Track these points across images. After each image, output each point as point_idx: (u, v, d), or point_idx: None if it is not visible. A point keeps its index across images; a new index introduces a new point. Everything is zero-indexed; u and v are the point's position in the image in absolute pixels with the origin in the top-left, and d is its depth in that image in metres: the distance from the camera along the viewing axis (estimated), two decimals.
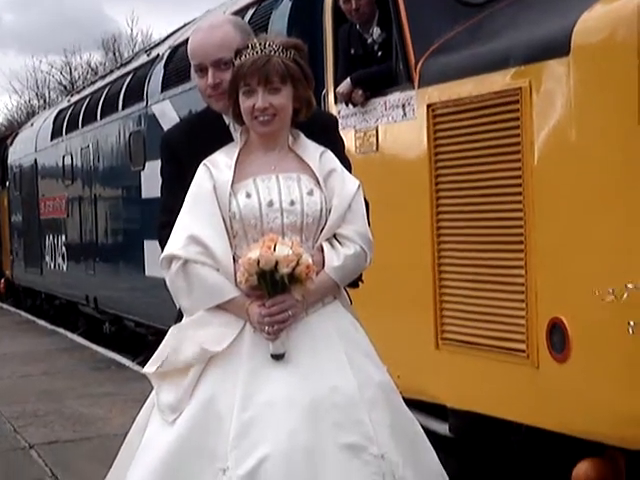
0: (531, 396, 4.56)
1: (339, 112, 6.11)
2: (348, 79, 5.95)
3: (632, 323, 3.97)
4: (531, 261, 4.55)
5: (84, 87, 18.55)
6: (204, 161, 3.29)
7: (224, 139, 3.40)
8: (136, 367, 10.85)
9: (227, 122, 3.46)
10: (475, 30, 5.28)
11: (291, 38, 3.35)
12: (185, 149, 3.42)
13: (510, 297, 4.68)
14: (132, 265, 12.24)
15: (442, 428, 5.23)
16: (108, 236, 13.96)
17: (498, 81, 4.76)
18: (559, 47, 4.37)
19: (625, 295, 4.02)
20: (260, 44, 3.23)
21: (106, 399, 9.14)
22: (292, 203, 3.20)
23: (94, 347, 13.37)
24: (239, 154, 3.30)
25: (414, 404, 5.33)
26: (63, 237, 16.53)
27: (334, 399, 3.09)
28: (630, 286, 4.01)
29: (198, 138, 3.43)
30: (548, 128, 4.49)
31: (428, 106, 5.28)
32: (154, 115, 10.99)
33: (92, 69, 49.05)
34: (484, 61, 4.92)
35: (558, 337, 4.36)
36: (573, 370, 4.29)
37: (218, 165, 3.27)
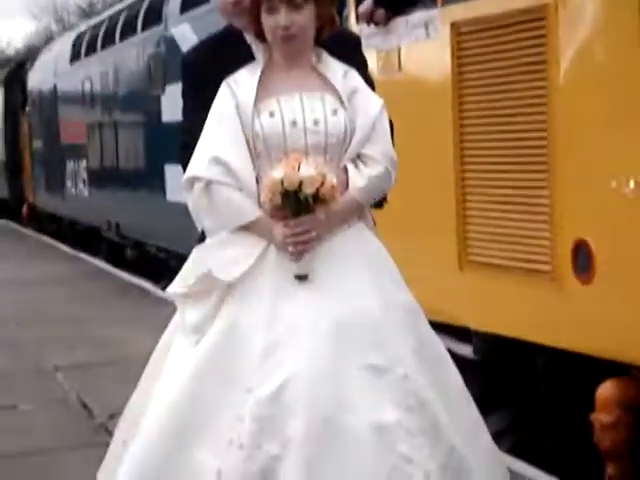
0: (556, 317, 4.54)
1: (361, 32, 6.01)
2: None
3: None
4: (555, 181, 4.49)
5: (103, 10, 18.40)
6: (226, 80, 3.24)
7: (247, 57, 3.35)
8: (159, 292, 10.91)
9: (249, 41, 3.41)
10: None
11: None
12: (207, 68, 3.37)
13: (534, 218, 4.63)
14: (153, 190, 12.24)
15: (466, 350, 5.23)
16: (129, 161, 13.95)
17: None
18: None
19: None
20: None
21: (129, 323, 9.21)
22: (316, 123, 3.15)
23: (116, 272, 13.44)
24: (262, 73, 3.25)
25: (438, 326, 5.36)
26: (84, 162, 16.54)
27: (358, 320, 3.08)
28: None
29: (220, 57, 3.38)
30: (575, 46, 4.40)
31: (451, 25, 5.18)
32: (173, 38, 10.89)
33: None
34: None
35: (583, 258, 4.33)
36: (598, 290, 4.26)
37: (240, 84, 3.22)
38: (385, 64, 5.84)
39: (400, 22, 5.69)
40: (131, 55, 13.00)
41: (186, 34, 10.35)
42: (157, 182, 11.80)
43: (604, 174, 4.24)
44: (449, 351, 5.24)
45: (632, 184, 4.03)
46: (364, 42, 5.85)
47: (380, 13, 5.81)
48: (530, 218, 4.67)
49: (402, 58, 5.70)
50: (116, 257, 15.36)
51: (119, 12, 14.57)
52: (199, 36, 9.71)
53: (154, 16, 11.81)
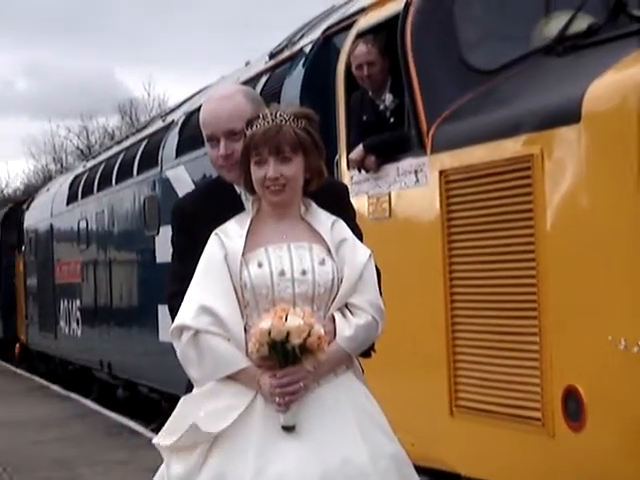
0: (547, 465, 4.51)
1: (352, 178, 6.14)
2: (360, 145, 5.98)
3: None
4: (545, 328, 4.52)
5: (100, 152, 18.69)
6: (215, 230, 3.29)
7: (236, 208, 3.41)
8: (149, 433, 10.79)
9: (239, 191, 3.47)
10: (486, 97, 5.30)
11: (302, 108, 3.37)
12: (196, 218, 3.43)
13: (524, 364, 4.64)
14: (146, 330, 12.21)
15: None
16: (122, 301, 13.96)
17: (510, 148, 4.77)
18: (570, 114, 4.39)
19: (636, 349, 3.99)
20: (271, 114, 3.24)
21: (119, 467, 9.08)
22: (304, 273, 3.19)
23: (107, 413, 13.31)
24: (251, 223, 3.30)
25: (429, 472, 5.30)
26: (78, 302, 16.54)
27: (346, 471, 3.05)
28: (636, 349, 3.98)
29: (209, 207, 3.44)
30: (560, 194, 4.49)
31: (440, 172, 5.29)
32: (169, 180, 11.04)
33: (109, 133, 49.47)
34: (495, 128, 4.95)
35: (573, 405, 4.32)
36: (589, 439, 4.24)
37: (229, 234, 3.27)
38: (376, 209, 5.93)
39: (390, 169, 5.81)
40: (127, 196, 13.15)
41: (181, 176, 10.50)
42: (150, 322, 11.78)
43: (593, 321, 4.27)
44: None
45: (623, 341, 4.05)
46: (355, 188, 6.03)
47: (371, 160, 5.93)
48: (520, 364, 4.68)
49: (392, 203, 5.80)
50: (108, 397, 15.22)
51: (116, 155, 14.80)
52: (193, 178, 9.86)
53: (151, 159, 12.00)
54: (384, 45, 5.98)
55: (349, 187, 5.68)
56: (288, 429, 3.08)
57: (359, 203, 5.99)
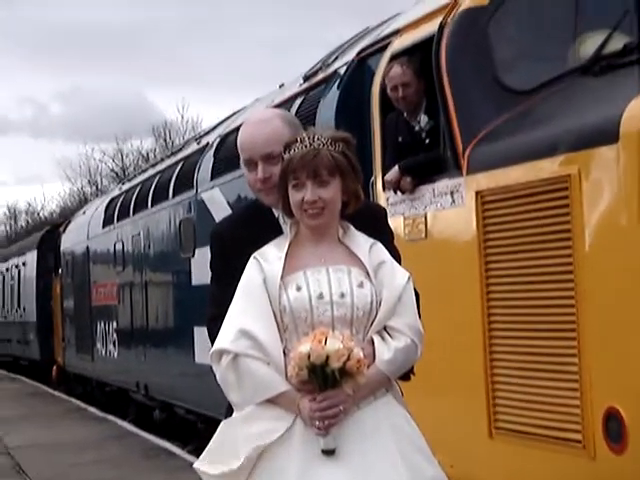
0: None
1: (387, 199, 6.14)
2: (396, 167, 5.98)
3: None
4: (584, 348, 4.49)
5: (135, 175, 18.81)
6: (254, 254, 3.30)
7: (274, 232, 3.41)
8: (186, 455, 10.79)
9: (277, 215, 3.48)
10: (522, 117, 5.29)
11: (340, 131, 3.38)
12: (234, 242, 3.44)
13: (564, 385, 4.61)
14: (182, 352, 12.24)
15: None
16: (158, 323, 14.02)
17: (547, 168, 4.76)
18: (608, 134, 4.37)
19: None
20: (309, 137, 3.25)
21: None
22: (342, 295, 3.19)
23: (144, 434, 13.34)
24: (289, 247, 3.31)
25: None
26: (114, 323, 16.61)
27: None
28: None
29: (247, 231, 3.45)
30: (598, 214, 4.47)
31: (477, 193, 5.28)
32: (204, 202, 11.09)
33: (143, 155, 49.81)
34: (532, 148, 4.93)
35: (614, 427, 4.29)
36: (631, 461, 4.20)
37: (268, 258, 3.28)
38: (412, 230, 5.92)
39: (426, 190, 5.80)
40: (163, 219, 13.21)
41: (216, 198, 10.54)
42: (186, 344, 11.81)
43: (633, 341, 4.24)
44: None
45: None
46: (391, 209, 6.02)
47: (407, 181, 5.93)
48: (560, 385, 4.65)
49: (428, 224, 5.79)
50: (145, 419, 15.26)
51: (151, 177, 14.89)
52: (228, 200, 9.89)
53: (186, 181, 12.06)
54: (419, 66, 5.99)
55: (386, 208, 5.70)
56: (328, 453, 3.07)
57: (395, 224, 5.98)
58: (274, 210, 3.48)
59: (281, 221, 3.47)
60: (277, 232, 3.42)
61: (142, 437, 13.16)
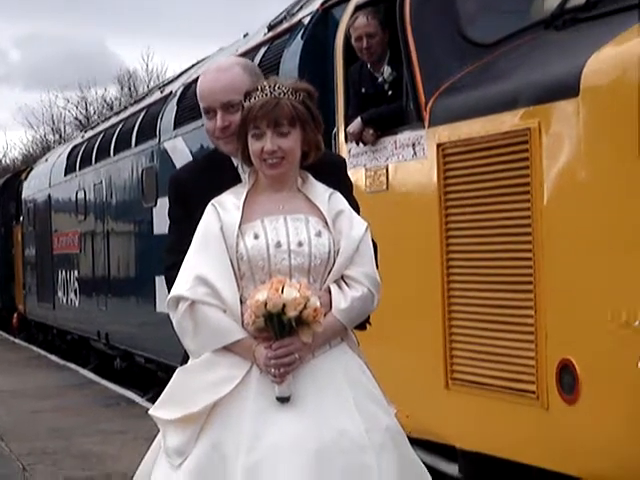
0: (541, 438, 4.53)
1: (349, 151, 6.14)
2: (359, 118, 5.97)
3: None
4: (541, 301, 4.54)
5: (98, 123, 18.65)
6: (212, 202, 3.29)
7: (233, 180, 3.41)
8: (146, 403, 10.83)
9: (236, 164, 3.47)
10: (484, 70, 5.30)
11: (301, 81, 3.36)
12: (193, 190, 3.43)
13: (520, 338, 4.66)
14: (143, 301, 12.25)
15: (452, 469, 5.20)
16: (120, 272, 13.99)
17: (507, 121, 4.77)
18: (568, 88, 4.38)
19: (637, 323, 4.00)
20: (270, 86, 3.23)
21: (115, 436, 9.12)
22: (300, 244, 3.19)
23: (105, 383, 13.36)
24: (247, 195, 3.30)
25: (423, 444, 5.34)
26: (76, 272, 16.56)
27: (341, 443, 3.06)
28: (637, 323, 4.00)
29: (206, 179, 3.44)
30: (557, 168, 4.49)
31: (438, 145, 5.29)
32: (166, 151, 11.03)
33: (107, 104, 49.34)
34: (493, 101, 4.94)
35: (568, 378, 4.34)
36: (583, 412, 4.27)
37: (226, 206, 3.27)
38: (373, 182, 5.93)
39: (388, 142, 5.80)
40: (125, 167, 13.13)
41: (178, 148, 10.49)
42: (147, 293, 11.81)
43: (588, 294, 4.28)
44: (434, 470, 5.24)
45: (624, 314, 4.06)
46: (353, 161, 6.02)
47: (369, 133, 5.92)
48: (516, 337, 4.70)
49: (390, 176, 5.80)
50: (105, 367, 15.28)
51: (114, 125, 14.77)
52: (191, 149, 9.85)
53: (149, 130, 11.97)
54: (383, 17, 5.97)
55: (347, 160, 5.69)
56: (283, 400, 3.09)
57: (357, 176, 5.99)
58: (233, 159, 3.47)
59: (240, 169, 3.46)
60: (236, 180, 3.41)
61: (102, 385, 13.19)
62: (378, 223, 5.76)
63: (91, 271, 15.41)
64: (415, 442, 5.49)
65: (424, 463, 5.13)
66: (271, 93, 3.22)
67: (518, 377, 4.67)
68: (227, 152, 3.48)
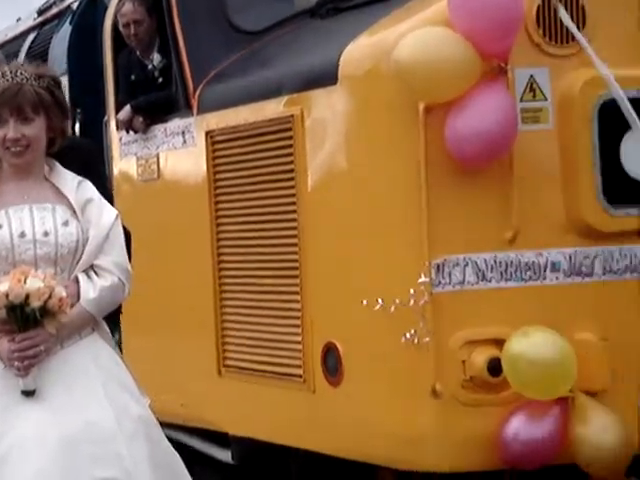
0: (308, 421, 4.60)
1: (120, 139, 6.05)
2: (128, 106, 5.89)
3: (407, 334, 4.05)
4: (306, 287, 4.60)
5: None
6: None
7: None
8: None
9: None
10: (252, 58, 5.32)
11: (44, 67, 3.30)
12: None
13: (287, 323, 4.72)
14: None
15: (224, 455, 5.22)
16: None
17: (272, 108, 4.81)
18: (328, 76, 4.45)
19: (392, 308, 4.11)
20: (11, 72, 3.15)
21: None
22: (46, 234, 3.13)
23: None
24: None
25: (197, 431, 5.36)
26: None
27: (90, 433, 3.03)
28: (397, 301, 4.11)
29: None
30: (320, 155, 4.56)
31: (207, 133, 5.28)
32: None
33: None
34: (259, 89, 4.97)
35: (332, 361, 4.43)
36: (346, 393, 4.35)
37: None
38: (144, 171, 5.87)
39: (158, 130, 5.75)
40: None
41: None
42: None
43: (350, 278, 4.38)
44: (207, 456, 5.26)
45: (380, 300, 4.17)
46: (124, 149, 5.94)
47: (139, 121, 5.85)
48: (283, 323, 4.76)
49: (161, 165, 5.75)
50: None
51: None
52: None
53: None
54: (151, 4, 5.90)
55: (118, 148, 5.61)
56: (28, 394, 3.03)
57: (128, 164, 5.92)
58: None
59: None
60: None
61: None
62: (151, 212, 5.72)
63: None
64: (192, 431, 5.52)
65: (198, 451, 5.17)
66: (13, 78, 3.13)
67: (286, 362, 4.72)
68: None
